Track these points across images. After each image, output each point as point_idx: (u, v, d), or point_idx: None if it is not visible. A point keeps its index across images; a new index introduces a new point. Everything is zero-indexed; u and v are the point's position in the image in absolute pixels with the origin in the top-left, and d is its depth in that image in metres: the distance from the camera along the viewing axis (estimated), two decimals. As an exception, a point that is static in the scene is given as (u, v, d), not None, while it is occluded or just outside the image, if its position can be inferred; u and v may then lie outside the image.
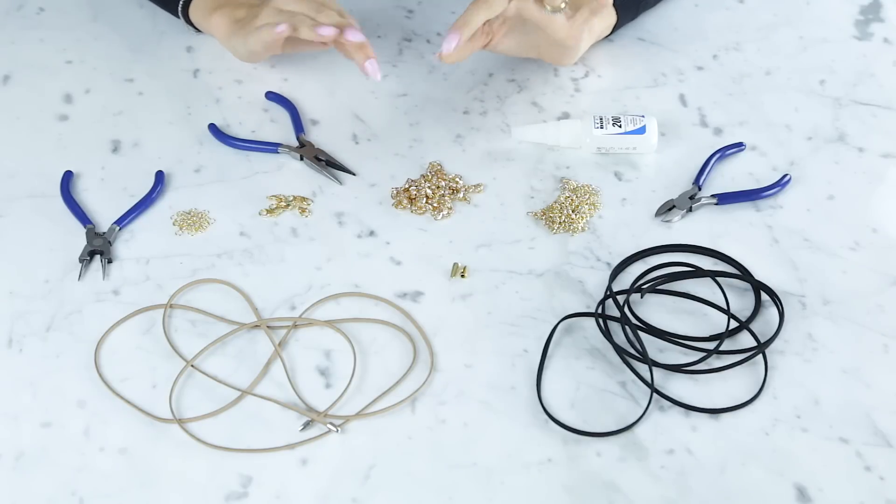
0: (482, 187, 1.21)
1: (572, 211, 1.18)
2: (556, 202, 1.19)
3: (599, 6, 1.23)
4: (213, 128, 1.25)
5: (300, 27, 1.20)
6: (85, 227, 1.16)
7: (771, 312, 1.11)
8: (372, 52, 1.20)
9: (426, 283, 1.13)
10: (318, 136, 1.25)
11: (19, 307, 1.11)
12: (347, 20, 1.21)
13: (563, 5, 1.19)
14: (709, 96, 1.29)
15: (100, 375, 1.06)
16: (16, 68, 1.32)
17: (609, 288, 1.11)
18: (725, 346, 1.08)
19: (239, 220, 1.18)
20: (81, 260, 1.14)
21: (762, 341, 1.08)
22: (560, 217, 1.17)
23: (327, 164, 1.22)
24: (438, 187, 1.19)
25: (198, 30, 1.31)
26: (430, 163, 1.22)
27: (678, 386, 1.06)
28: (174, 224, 1.18)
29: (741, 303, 1.12)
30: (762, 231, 1.17)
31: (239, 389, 1.06)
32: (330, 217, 1.18)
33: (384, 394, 1.05)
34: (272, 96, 1.28)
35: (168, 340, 1.09)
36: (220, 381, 1.06)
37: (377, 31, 1.35)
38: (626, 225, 1.18)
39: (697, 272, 1.13)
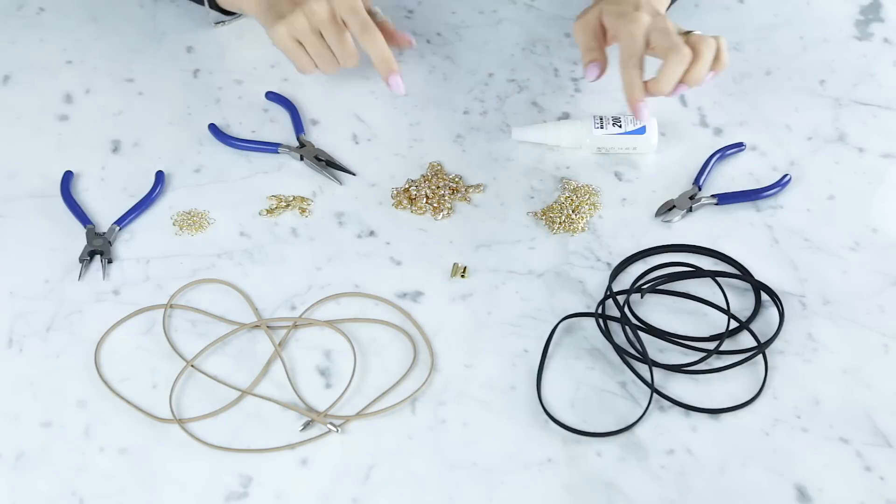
0: (482, 187, 1.21)
1: (572, 211, 1.18)
2: (556, 202, 1.19)
3: None
4: (213, 128, 1.25)
5: (321, 65, 1.21)
6: (85, 227, 1.16)
7: (771, 312, 1.11)
8: (396, 65, 1.20)
9: (426, 283, 1.13)
10: (318, 136, 1.25)
11: (19, 307, 1.11)
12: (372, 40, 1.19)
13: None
14: (709, 96, 1.29)
15: (100, 375, 1.06)
16: (16, 68, 1.32)
17: (609, 288, 1.11)
18: (725, 346, 1.08)
19: (239, 220, 1.18)
20: (81, 260, 1.14)
21: (762, 341, 1.08)
22: (560, 217, 1.17)
23: (327, 164, 1.22)
24: (438, 187, 1.19)
25: (224, 13, 1.29)
26: (430, 163, 1.22)
27: (678, 386, 1.06)
28: (174, 224, 1.18)
29: (741, 303, 1.12)
30: (762, 231, 1.17)
31: (239, 389, 1.06)
32: (330, 217, 1.18)
33: (384, 394, 1.05)
34: (272, 96, 1.28)
35: (168, 340, 1.09)
36: (220, 381, 1.06)
37: (377, 31, 1.35)
38: (626, 225, 1.18)
39: (697, 272, 1.13)
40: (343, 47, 1.19)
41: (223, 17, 1.33)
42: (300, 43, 1.19)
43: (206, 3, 1.29)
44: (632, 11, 1.18)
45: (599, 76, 1.20)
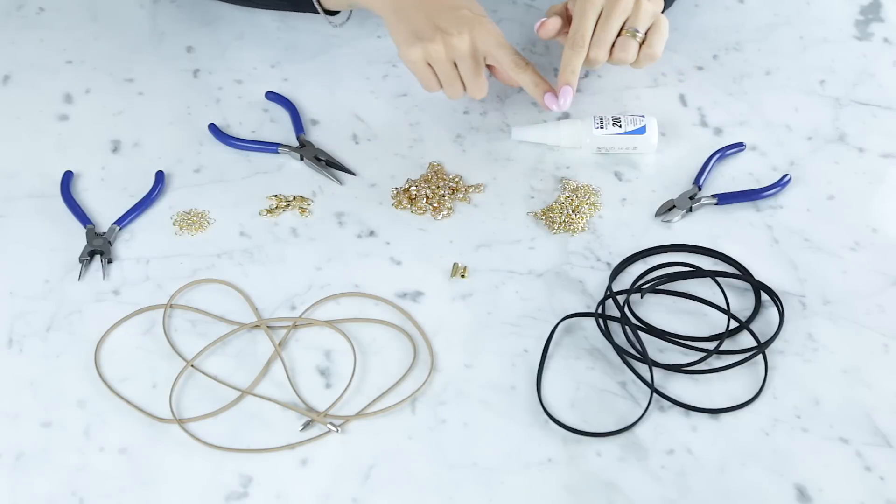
0: (482, 187, 1.21)
1: (572, 211, 1.18)
2: (556, 202, 1.19)
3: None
4: (213, 128, 1.25)
5: (448, 92, 1.19)
6: (85, 227, 1.16)
7: (771, 312, 1.11)
8: (549, 84, 1.18)
9: (426, 283, 1.13)
10: (318, 136, 1.25)
11: (19, 307, 1.11)
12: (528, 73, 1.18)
13: (638, 34, 1.18)
14: (709, 96, 1.29)
15: (100, 375, 1.06)
16: (16, 68, 1.32)
17: (609, 288, 1.11)
18: (725, 346, 1.08)
19: (239, 220, 1.18)
20: (81, 260, 1.14)
21: (762, 341, 1.08)
22: (560, 217, 1.17)
23: (327, 164, 1.22)
24: (438, 187, 1.19)
25: (331, 13, 1.26)
26: (430, 163, 1.22)
27: (678, 386, 1.06)
28: (174, 224, 1.18)
29: (741, 303, 1.12)
30: (762, 231, 1.17)
31: (239, 389, 1.06)
32: (330, 217, 1.18)
33: (384, 394, 1.05)
34: (272, 96, 1.28)
35: (168, 340, 1.09)
36: (220, 381, 1.06)
37: (377, 31, 1.35)
38: (626, 225, 1.18)
39: (697, 272, 1.13)
40: (476, 82, 1.18)
41: (340, 19, 1.28)
42: (431, 66, 1.17)
43: (319, 9, 1.25)
44: None
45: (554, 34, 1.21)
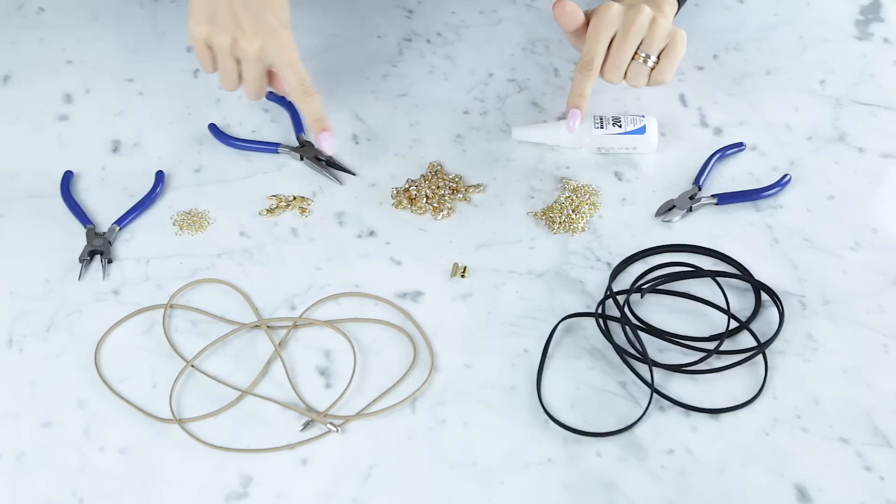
0: (482, 187, 1.21)
1: (572, 211, 1.18)
2: (556, 202, 1.19)
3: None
4: (213, 128, 1.25)
5: (223, 83, 1.16)
6: (85, 227, 1.16)
7: (771, 312, 1.11)
8: (328, 123, 1.15)
9: (426, 283, 1.13)
10: (318, 136, 1.25)
11: (19, 307, 1.11)
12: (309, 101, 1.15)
13: (649, 62, 1.18)
14: (709, 96, 1.29)
15: (100, 375, 1.06)
16: (16, 68, 1.32)
17: (609, 288, 1.11)
18: (725, 346, 1.08)
19: (239, 220, 1.18)
20: (81, 260, 1.14)
21: (762, 341, 1.08)
22: (560, 217, 1.17)
23: (327, 164, 1.22)
24: (438, 187, 1.20)
25: None
26: (430, 163, 1.22)
27: (678, 386, 1.06)
28: (174, 224, 1.18)
29: (741, 303, 1.12)
30: (762, 231, 1.17)
31: (239, 389, 1.06)
32: (330, 217, 1.18)
33: (384, 394, 1.05)
34: (272, 96, 1.28)
35: (168, 340, 1.09)
36: (220, 381, 1.06)
37: (377, 31, 1.35)
38: (626, 225, 1.18)
39: (697, 272, 1.13)
40: (254, 85, 1.15)
41: None
42: (211, 49, 1.14)
43: None
44: (606, 2, 1.18)
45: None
